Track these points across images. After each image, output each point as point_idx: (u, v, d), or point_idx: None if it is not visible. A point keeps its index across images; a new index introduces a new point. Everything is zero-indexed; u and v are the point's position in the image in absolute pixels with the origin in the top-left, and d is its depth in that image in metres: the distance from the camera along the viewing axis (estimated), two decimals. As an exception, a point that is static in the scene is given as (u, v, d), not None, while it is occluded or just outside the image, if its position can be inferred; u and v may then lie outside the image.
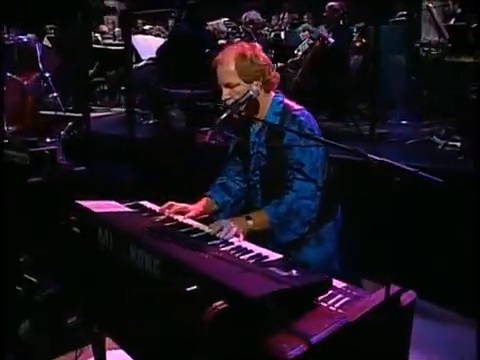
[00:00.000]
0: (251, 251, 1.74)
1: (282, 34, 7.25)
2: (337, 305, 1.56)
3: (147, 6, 5.58)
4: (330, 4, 5.20)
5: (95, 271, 2.04)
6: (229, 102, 2.08)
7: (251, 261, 1.65)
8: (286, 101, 2.17)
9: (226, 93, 2.10)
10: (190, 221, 2.04)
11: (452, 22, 5.89)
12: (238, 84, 2.08)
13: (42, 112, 4.92)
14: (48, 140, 4.12)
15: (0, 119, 2.97)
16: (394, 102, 5.30)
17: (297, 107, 2.15)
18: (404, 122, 5.48)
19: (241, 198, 2.36)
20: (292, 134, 2.03)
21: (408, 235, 3.14)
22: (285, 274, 1.53)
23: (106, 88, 7.25)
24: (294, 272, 1.57)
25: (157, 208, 2.19)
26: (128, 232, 1.83)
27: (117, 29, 8.73)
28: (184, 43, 4.76)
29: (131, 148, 5.05)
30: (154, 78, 5.25)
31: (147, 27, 7.18)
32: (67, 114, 4.73)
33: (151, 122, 5.81)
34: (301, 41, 6.67)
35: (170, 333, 1.56)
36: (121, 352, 2.71)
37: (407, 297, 1.71)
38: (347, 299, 1.61)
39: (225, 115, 1.94)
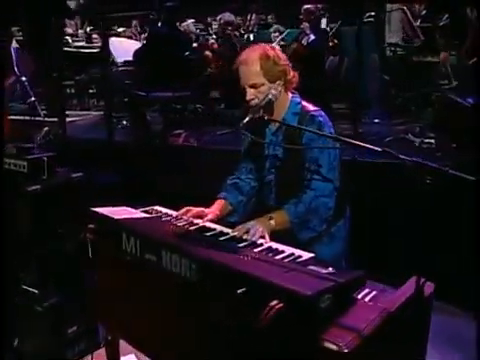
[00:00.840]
0: (283, 251, 1.79)
1: (251, 36, 7.34)
2: (368, 298, 1.65)
3: (123, 9, 5.53)
4: (306, 7, 5.32)
5: (118, 278, 2.04)
6: (253, 102, 2.12)
7: (286, 261, 1.70)
8: (303, 102, 2.24)
9: (251, 93, 2.14)
10: (212, 224, 2.07)
11: (418, 23, 6.17)
12: (263, 84, 2.13)
13: (19, 118, 4.79)
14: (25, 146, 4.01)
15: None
16: (368, 101, 5.47)
17: (314, 108, 2.21)
18: (376, 121, 5.67)
19: (252, 196, 2.39)
20: (311, 134, 2.10)
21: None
22: (325, 271, 1.59)
23: (73, 92, 7.11)
24: (331, 269, 1.64)
25: (173, 213, 2.21)
26: (157, 237, 1.84)
27: (80, 31, 8.58)
28: (164, 45, 4.74)
29: (112, 152, 5.00)
30: (131, 81, 5.21)
31: (121, 29, 7.09)
32: (46, 119, 4.63)
33: (126, 125, 5.77)
34: (271, 42, 6.79)
35: (210, 335, 1.59)
36: (132, 357, 2.72)
37: (428, 288, 1.82)
38: (375, 293, 1.69)
39: (248, 119, 1.98)
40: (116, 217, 2.03)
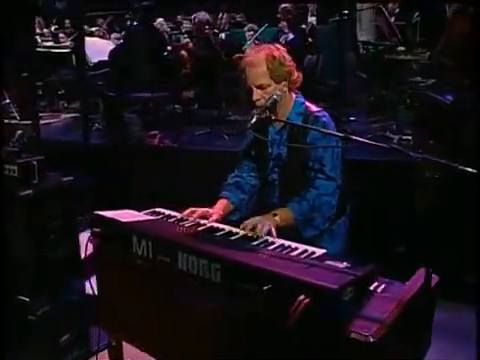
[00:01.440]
0: (296, 248, 1.86)
1: (223, 35, 7.41)
2: (380, 290, 1.75)
3: (99, 8, 5.47)
4: (283, 6, 5.42)
5: (127, 282, 2.07)
6: (260, 103, 2.19)
7: (303, 257, 1.78)
8: (307, 102, 2.32)
9: (258, 94, 2.21)
10: (220, 225, 2.13)
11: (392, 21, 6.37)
12: (269, 85, 2.20)
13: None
14: None
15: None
16: (346, 99, 5.62)
17: (317, 108, 2.30)
18: (352, 119, 5.83)
19: (254, 194, 2.46)
20: (315, 134, 2.19)
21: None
22: (342, 266, 1.68)
23: (42, 93, 6.99)
24: (346, 264, 1.73)
25: (177, 214, 2.25)
26: (171, 239, 1.88)
27: (45, 30, 8.43)
28: (141, 45, 4.74)
29: (88, 155, 4.97)
30: (107, 82, 5.18)
31: (94, 29, 7.00)
32: (23, 122, 4.56)
33: (99, 128, 5.72)
34: (246, 41, 6.88)
35: (234, 333, 1.66)
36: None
37: (433, 280, 1.94)
38: (384, 285, 1.79)
39: (255, 119, 2.05)
40: (124, 220, 2.07)
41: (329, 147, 2.18)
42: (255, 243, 1.91)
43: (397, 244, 3.50)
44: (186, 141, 5.21)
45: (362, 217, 2.66)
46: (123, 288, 2.10)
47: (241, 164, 2.49)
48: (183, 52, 5.82)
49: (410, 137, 4.77)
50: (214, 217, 2.21)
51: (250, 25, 6.51)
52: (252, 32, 6.35)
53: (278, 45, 2.30)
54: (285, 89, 2.24)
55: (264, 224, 2.01)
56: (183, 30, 7.85)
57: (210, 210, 2.26)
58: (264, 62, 2.19)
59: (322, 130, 2.14)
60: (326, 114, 2.29)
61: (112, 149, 5.20)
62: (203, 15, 5.70)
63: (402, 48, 5.62)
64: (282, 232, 2.09)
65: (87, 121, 4.98)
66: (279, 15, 5.54)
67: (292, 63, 2.26)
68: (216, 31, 6.34)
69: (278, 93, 2.18)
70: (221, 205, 2.35)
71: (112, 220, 2.08)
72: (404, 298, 1.65)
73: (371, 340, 1.44)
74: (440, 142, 4.18)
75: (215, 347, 1.72)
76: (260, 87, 2.21)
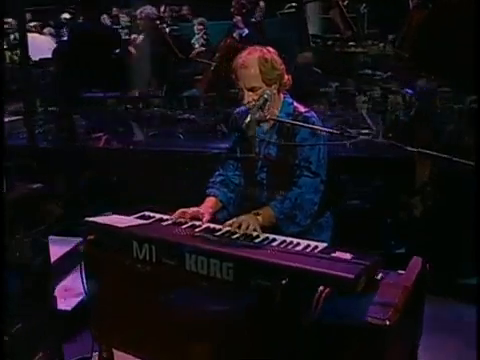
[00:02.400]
0: (299, 243, 2.02)
1: (167, 29, 7.44)
2: (378, 277, 1.94)
3: (38, 2, 5.33)
4: (237, -1, 5.56)
5: (126, 289, 2.14)
6: (251, 105, 2.33)
7: (308, 251, 1.95)
8: (295, 103, 2.49)
9: (250, 96, 2.35)
10: (216, 225, 2.25)
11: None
12: (260, 87, 2.34)
13: None
14: None
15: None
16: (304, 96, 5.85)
17: (305, 109, 2.48)
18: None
19: (238, 193, 2.60)
20: (304, 134, 2.36)
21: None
22: (350, 257, 1.86)
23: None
24: (350, 255, 1.92)
25: (167, 217, 2.35)
26: (177, 241, 1.99)
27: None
28: (90, 43, 4.73)
29: (34, 158, 4.89)
30: (52, 81, 5.10)
31: (32, 24, 6.79)
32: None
33: (42, 130, 5.62)
34: (194, 35, 6.96)
35: (252, 328, 1.80)
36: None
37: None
38: (381, 274, 2.00)
39: (249, 119, 2.18)
40: (121, 225, 2.15)
41: (317, 145, 2.35)
42: (258, 240, 2.06)
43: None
44: (137, 142, 5.25)
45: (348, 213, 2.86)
46: (121, 295, 2.17)
47: (226, 163, 2.62)
48: (131, 48, 5.82)
49: (368, 131, 5.07)
50: (206, 217, 2.33)
51: (200, 19, 6.59)
52: (202, 27, 6.45)
53: (269, 48, 2.43)
54: (275, 91, 2.39)
55: (248, 223, 2.17)
56: (123, 25, 7.80)
57: (201, 209, 2.38)
58: (257, 64, 2.33)
59: (313, 127, 2.32)
60: (314, 114, 2.47)
61: (59, 151, 5.15)
62: (150, 9, 5.73)
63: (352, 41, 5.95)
64: (264, 229, 2.23)
65: (30, 123, 4.89)
66: (233, 9, 5.69)
67: (283, 66, 2.41)
68: (164, 26, 6.38)
69: (268, 93, 2.33)
70: (210, 203, 2.49)
71: (108, 226, 2.15)
72: (408, 284, 1.86)
73: (388, 323, 1.63)
74: (397, 135, 4.51)
75: (231, 344, 1.85)
76: (252, 89, 2.35)
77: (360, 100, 5.07)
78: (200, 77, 5.73)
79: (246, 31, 5.52)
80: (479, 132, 3.13)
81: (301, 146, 2.39)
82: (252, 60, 2.35)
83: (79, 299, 3.34)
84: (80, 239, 3.02)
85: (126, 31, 7.60)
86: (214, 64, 5.14)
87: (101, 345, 2.38)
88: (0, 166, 2.68)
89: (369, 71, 6.19)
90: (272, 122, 2.46)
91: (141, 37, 5.90)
